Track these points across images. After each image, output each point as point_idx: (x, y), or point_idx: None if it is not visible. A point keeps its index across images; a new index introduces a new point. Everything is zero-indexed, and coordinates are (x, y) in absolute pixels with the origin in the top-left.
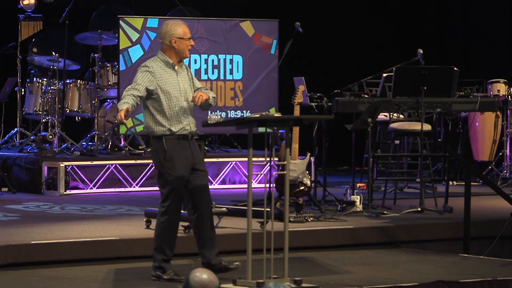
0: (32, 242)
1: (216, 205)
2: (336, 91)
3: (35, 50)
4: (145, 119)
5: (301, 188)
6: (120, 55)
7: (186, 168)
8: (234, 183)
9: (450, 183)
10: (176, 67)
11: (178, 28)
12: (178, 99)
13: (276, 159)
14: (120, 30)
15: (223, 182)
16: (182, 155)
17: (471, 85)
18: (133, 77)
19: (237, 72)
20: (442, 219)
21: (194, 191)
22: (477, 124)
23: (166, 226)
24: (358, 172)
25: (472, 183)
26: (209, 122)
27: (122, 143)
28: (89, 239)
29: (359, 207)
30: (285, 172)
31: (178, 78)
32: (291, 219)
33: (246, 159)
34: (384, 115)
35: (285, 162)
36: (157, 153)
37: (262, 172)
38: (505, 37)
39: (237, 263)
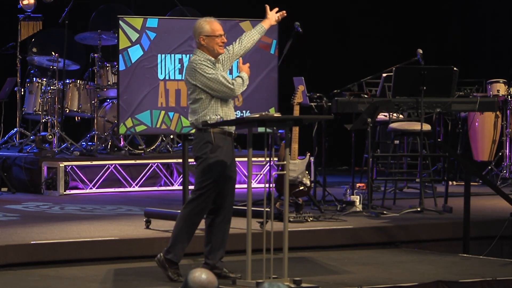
0: (32, 242)
1: None
2: (335, 91)
3: (34, 50)
4: (196, 109)
5: (301, 188)
6: (120, 55)
7: (228, 164)
8: None
9: (450, 183)
10: (216, 64)
11: (206, 25)
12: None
13: (275, 159)
14: (120, 30)
15: None
16: (226, 151)
17: (470, 85)
18: (132, 77)
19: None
20: (441, 219)
21: (224, 192)
22: (476, 124)
23: (191, 213)
24: (357, 172)
25: (471, 183)
26: (208, 122)
27: (122, 143)
28: (89, 239)
29: (358, 207)
30: (285, 172)
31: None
32: (291, 219)
33: (245, 159)
34: (384, 115)
35: (285, 162)
36: (204, 143)
37: (261, 172)
38: (505, 37)
39: (238, 275)
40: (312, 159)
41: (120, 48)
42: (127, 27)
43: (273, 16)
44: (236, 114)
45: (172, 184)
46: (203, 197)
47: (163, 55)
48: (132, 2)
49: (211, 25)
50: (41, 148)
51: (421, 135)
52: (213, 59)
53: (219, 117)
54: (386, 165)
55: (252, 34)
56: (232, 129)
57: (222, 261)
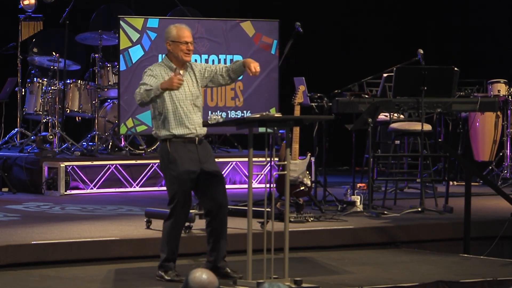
0: (32, 242)
1: None
2: (336, 91)
3: (35, 50)
4: (153, 122)
5: (302, 188)
6: (121, 55)
7: (191, 171)
8: (234, 183)
9: (450, 183)
10: (181, 71)
11: (173, 30)
12: (184, 103)
13: (276, 159)
14: (121, 30)
15: None
16: (187, 157)
17: (471, 85)
18: (133, 77)
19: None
20: (442, 219)
21: (207, 194)
22: (477, 124)
23: (171, 227)
24: (358, 172)
25: (472, 183)
26: (209, 122)
27: (123, 143)
28: (89, 239)
29: (359, 207)
30: (286, 172)
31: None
32: (292, 219)
33: (246, 159)
34: (384, 115)
35: (286, 162)
36: (162, 155)
37: (262, 172)
38: (505, 37)
39: (240, 275)
40: (312, 159)
41: (121, 48)
42: (128, 27)
43: (251, 64)
44: (236, 115)
45: None
46: (176, 209)
47: (164, 55)
48: (133, 2)
49: (178, 31)
50: (41, 148)
51: (422, 135)
52: (174, 66)
53: (219, 116)
54: (387, 165)
55: (239, 72)
56: (193, 134)
57: (225, 260)
